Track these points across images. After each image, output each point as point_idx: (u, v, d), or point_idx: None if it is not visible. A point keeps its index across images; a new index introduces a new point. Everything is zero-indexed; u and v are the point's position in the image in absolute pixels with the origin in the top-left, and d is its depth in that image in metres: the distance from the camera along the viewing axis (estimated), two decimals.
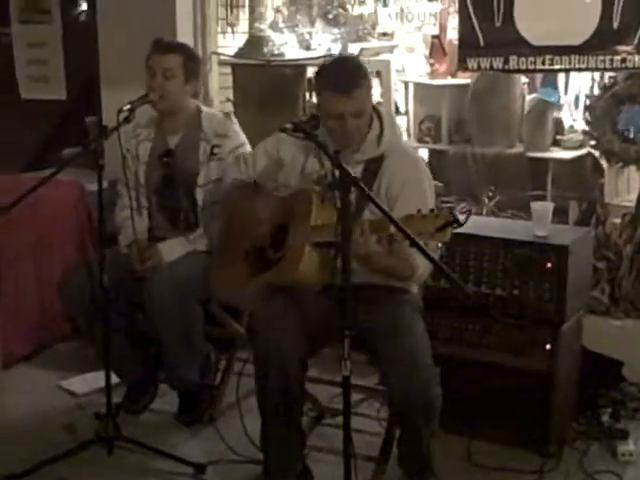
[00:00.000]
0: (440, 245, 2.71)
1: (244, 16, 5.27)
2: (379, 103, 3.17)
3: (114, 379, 3.38)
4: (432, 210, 2.36)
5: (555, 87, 5.08)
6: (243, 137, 3.58)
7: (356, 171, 2.74)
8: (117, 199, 3.73)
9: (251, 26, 5.24)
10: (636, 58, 3.72)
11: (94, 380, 3.76)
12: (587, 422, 3.44)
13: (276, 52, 5.03)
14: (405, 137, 4.93)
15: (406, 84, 5.32)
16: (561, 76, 4.97)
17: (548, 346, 3.21)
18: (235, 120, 3.64)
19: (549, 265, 3.20)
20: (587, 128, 4.60)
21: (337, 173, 2.44)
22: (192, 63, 3.53)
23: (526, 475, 3.11)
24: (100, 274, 3.15)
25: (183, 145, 3.56)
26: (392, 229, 2.43)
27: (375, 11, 5.30)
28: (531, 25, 3.86)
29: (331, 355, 2.72)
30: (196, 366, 3.50)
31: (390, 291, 2.91)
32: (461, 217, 2.32)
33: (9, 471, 3.10)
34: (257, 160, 3.15)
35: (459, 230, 2.37)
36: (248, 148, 3.51)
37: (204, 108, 3.65)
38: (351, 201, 2.70)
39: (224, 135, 3.51)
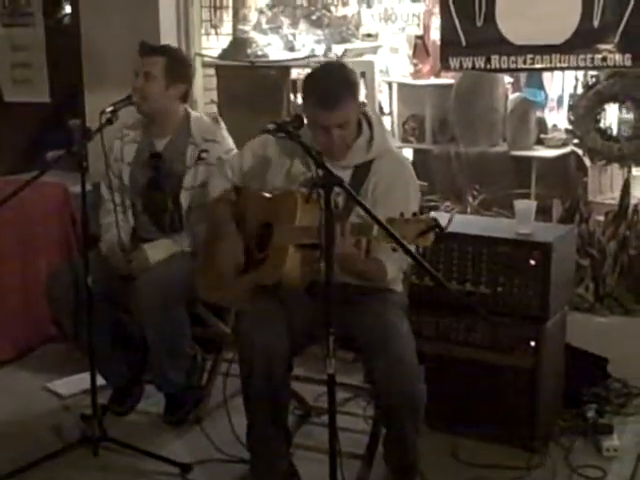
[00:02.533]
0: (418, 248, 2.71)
1: (227, 18, 5.27)
2: (364, 104, 3.18)
3: (100, 380, 3.38)
4: (414, 214, 2.37)
5: (541, 87, 5.10)
6: (231, 143, 3.58)
7: (345, 175, 2.74)
8: (100, 202, 3.72)
9: (235, 28, 5.25)
10: (617, 56, 3.75)
11: (80, 382, 3.76)
12: (572, 418, 3.46)
13: (260, 53, 5.04)
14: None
15: (390, 84, 5.34)
16: (547, 76, 5.00)
17: (532, 343, 3.23)
18: (223, 125, 3.64)
19: (533, 262, 3.22)
20: (570, 127, 4.63)
21: (321, 173, 2.45)
22: (176, 66, 3.52)
23: (512, 471, 3.13)
24: (85, 276, 3.15)
25: (171, 148, 3.56)
26: (375, 233, 2.44)
27: (359, 12, 5.31)
28: (512, 25, 3.88)
29: (317, 354, 2.74)
30: (182, 367, 3.50)
31: (375, 290, 2.92)
32: (443, 222, 2.32)
33: None
34: (244, 161, 3.15)
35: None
36: (234, 153, 3.51)
37: (193, 112, 3.65)
38: (338, 203, 2.73)
39: (212, 140, 3.51)
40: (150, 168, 3.57)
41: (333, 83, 2.82)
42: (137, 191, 3.60)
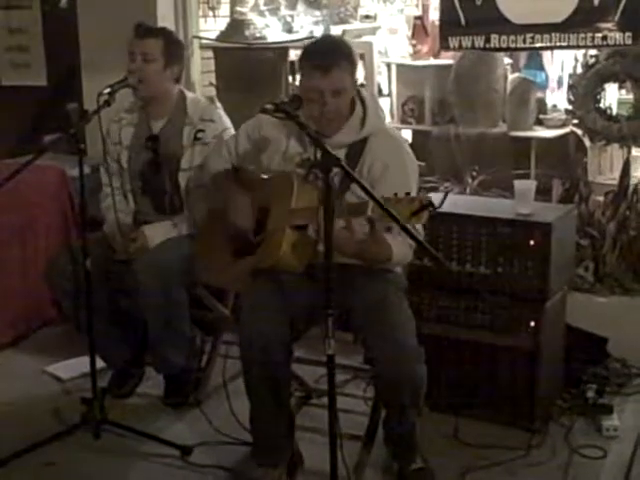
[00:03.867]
0: (418, 227, 2.69)
1: None
2: (362, 85, 3.17)
3: (99, 363, 3.38)
4: (408, 193, 2.36)
5: (541, 68, 5.09)
6: (227, 122, 3.57)
7: (339, 154, 2.72)
8: (101, 185, 3.71)
9: (232, 9, 5.23)
10: (617, 35, 3.74)
11: (79, 365, 3.75)
12: (572, 398, 3.45)
13: (258, 35, 5.03)
14: (389, 119, 4.93)
15: (389, 66, 5.33)
16: (547, 57, 4.99)
17: (532, 323, 3.22)
18: (219, 105, 3.64)
19: (532, 242, 3.21)
20: (570, 107, 4.62)
21: (319, 154, 2.43)
22: (173, 48, 3.51)
23: (513, 451, 3.12)
24: (83, 258, 3.15)
25: (167, 130, 3.55)
26: (369, 212, 2.42)
27: None
28: (512, 3, 3.87)
29: (317, 335, 2.72)
30: (182, 349, 3.50)
31: (374, 271, 2.90)
32: (437, 200, 2.32)
33: None
34: (239, 143, 3.13)
35: (443, 209, 2.38)
36: (232, 132, 3.50)
37: (188, 93, 3.64)
38: (334, 182, 2.71)
39: (209, 120, 3.50)
40: (148, 150, 3.56)
41: (329, 49, 2.84)
42: (136, 174, 3.59)
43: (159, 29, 3.63)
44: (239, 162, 3.14)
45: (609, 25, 3.71)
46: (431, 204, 2.28)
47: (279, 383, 2.81)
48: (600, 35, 3.75)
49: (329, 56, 2.79)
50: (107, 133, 3.54)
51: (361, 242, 2.59)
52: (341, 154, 2.82)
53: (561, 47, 3.96)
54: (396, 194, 2.34)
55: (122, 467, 3.14)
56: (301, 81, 2.89)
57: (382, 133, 2.95)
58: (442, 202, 2.32)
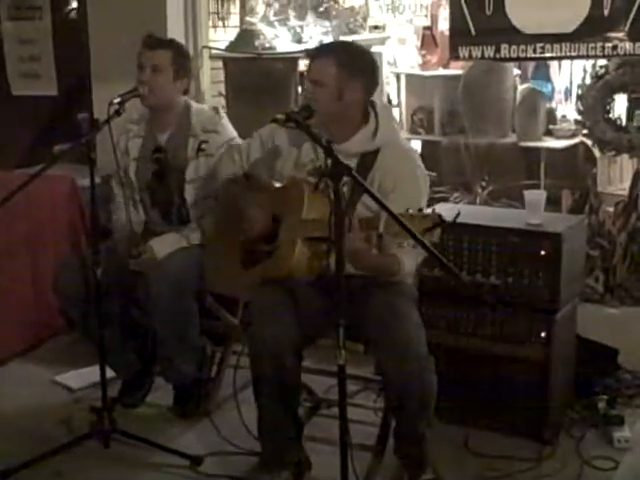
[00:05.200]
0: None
1: (235, 10, 5.28)
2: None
3: (109, 373, 3.37)
4: (420, 210, 2.35)
5: (547, 79, 5.09)
6: (233, 132, 3.57)
7: (350, 163, 2.72)
8: (112, 196, 3.72)
9: (242, 20, 5.25)
10: (627, 45, 3.73)
11: (89, 374, 3.75)
12: (583, 409, 3.44)
13: (267, 45, 5.03)
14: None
15: (398, 76, 5.34)
16: (554, 69, 4.99)
17: (543, 334, 3.21)
18: (224, 115, 3.63)
19: (543, 253, 3.20)
20: (579, 117, 4.61)
21: (329, 162, 2.44)
22: (182, 59, 3.52)
23: (523, 462, 3.11)
24: (94, 268, 3.15)
25: (173, 141, 3.55)
26: (381, 227, 2.42)
27: (366, 3, 5.31)
28: (522, 13, 3.86)
29: (327, 346, 2.72)
30: (192, 359, 3.50)
31: (385, 281, 2.90)
32: (449, 217, 2.30)
33: (6, 466, 3.10)
34: (251, 150, 3.14)
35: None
36: (238, 142, 3.51)
37: (193, 104, 3.64)
38: (343, 193, 2.71)
39: (213, 131, 3.50)
40: (154, 162, 3.57)
41: (330, 43, 2.95)
42: (144, 186, 3.59)
43: (168, 41, 3.64)
44: (250, 168, 3.15)
45: (619, 35, 3.70)
46: (443, 222, 2.28)
47: (289, 388, 2.80)
48: (610, 45, 3.74)
49: (322, 47, 2.86)
50: (116, 145, 3.54)
51: (375, 255, 2.60)
52: (352, 164, 2.82)
53: (571, 57, 3.95)
54: (408, 210, 2.34)
55: (132, 477, 3.14)
56: None
57: (394, 145, 2.95)
58: (455, 219, 2.30)
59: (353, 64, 2.87)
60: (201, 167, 3.47)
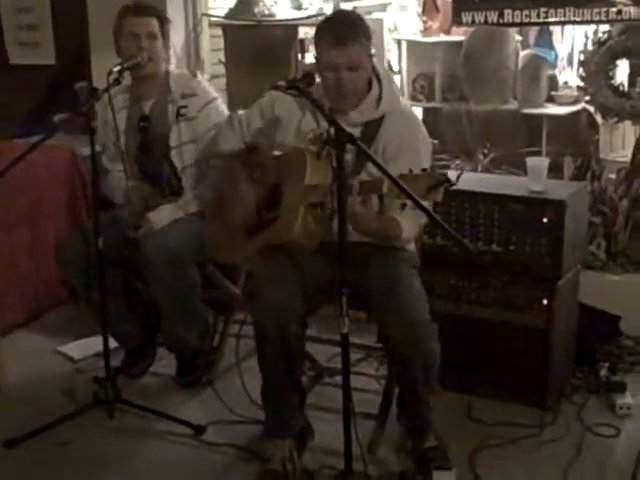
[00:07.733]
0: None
1: None
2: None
3: (112, 343, 3.38)
4: (424, 170, 2.35)
5: (550, 47, 5.04)
6: (212, 92, 3.54)
7: (354, 132, 2.70)
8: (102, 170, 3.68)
9: None
10: (632, 10, 3.69)
11: (92, 345, 3.76)
12: (585, 376, 3.45)
13: (267, 12, 4.99)
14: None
15: (399, 42, 5.29)
16: (556, 36, 4.94)
17: (545, 301, 3.21)
18: (203, 77, 3.60)
19: (545, 220, 3.19)
20: (581, 84, 4.57)
21: (332, 130, 2.42)
22: (167, 26, 3.52)
23: (525, 429, 3.13)
24: (95, 238, 3.14)
25: (156, 109, 3.52)
26: (385, 188, 2.42)
27: None
28: None
29: (330, 315, 2.72)
30: (195, 329, 3.50)
31: (387, 249, 2.90)
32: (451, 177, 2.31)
33: (10, 436, 3.12)
34: (252, 120, 3.12)
35: (455, 187, 2.36)
36: (219, 103, 3.51)
37: (172, 70, 3.60)
38: (347, 160, 2.70)
39: (191, 95, 3.47)
40: (139, 132, 3.54)
41: (345, 23, 2.83)
42: (132, 157, 3.56)
43: (152, 7, 3.57)
44: (251, 138, 3.12)
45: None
46: (447, 180, 2.28)
47: (292, 355, 2.80)
48: (615, 10, 3.69)
49: (345, 31, 2.78)
50: (104, 122, 3.52)
51: (375, 219, 2.59)
52: (356, 132, 2.81)
53: (575, 22, 3.90)
54: (411, 170, 2.33)
55: (136, 446, 3.15)
56: (317, 57, 2.87)
57: (397, 111, 2.94)
58: (458, 178, 2.32)
59: (368, 37, 2.85)
60: (183, 132, 3.45)
